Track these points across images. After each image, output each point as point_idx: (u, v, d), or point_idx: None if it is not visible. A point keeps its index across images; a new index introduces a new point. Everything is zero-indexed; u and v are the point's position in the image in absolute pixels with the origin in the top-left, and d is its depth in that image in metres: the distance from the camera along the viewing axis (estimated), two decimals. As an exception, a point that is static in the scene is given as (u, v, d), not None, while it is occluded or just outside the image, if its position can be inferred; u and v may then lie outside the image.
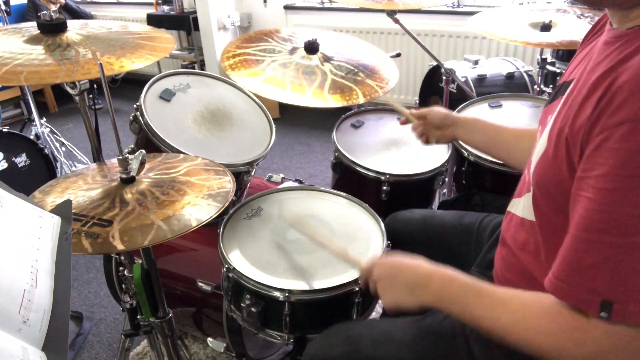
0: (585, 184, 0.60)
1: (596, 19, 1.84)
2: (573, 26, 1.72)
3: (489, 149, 1.16)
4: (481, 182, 1.47)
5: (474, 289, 0.73)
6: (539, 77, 2.16)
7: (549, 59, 2.16)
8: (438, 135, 1.20)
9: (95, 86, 1.87)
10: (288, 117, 3.79)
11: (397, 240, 1.16)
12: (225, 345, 1.37)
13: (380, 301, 0.85)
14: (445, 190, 1.77)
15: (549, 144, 0.70)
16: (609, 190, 0.57)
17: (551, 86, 2.24)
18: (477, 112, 1.65)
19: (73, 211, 0.85)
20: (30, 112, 2.73)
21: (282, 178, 1.64)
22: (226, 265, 1.06)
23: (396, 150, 1.52)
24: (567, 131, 0.65)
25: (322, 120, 3.66)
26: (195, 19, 3.85)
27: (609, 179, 0.57)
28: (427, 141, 1.22)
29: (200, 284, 1.30)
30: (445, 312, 0.75)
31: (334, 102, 1.41)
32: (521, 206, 0.85)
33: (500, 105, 1.67)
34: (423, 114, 1.20)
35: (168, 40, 1.21)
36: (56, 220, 0.65)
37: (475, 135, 1.16)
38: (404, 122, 1.27)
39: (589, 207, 0.59)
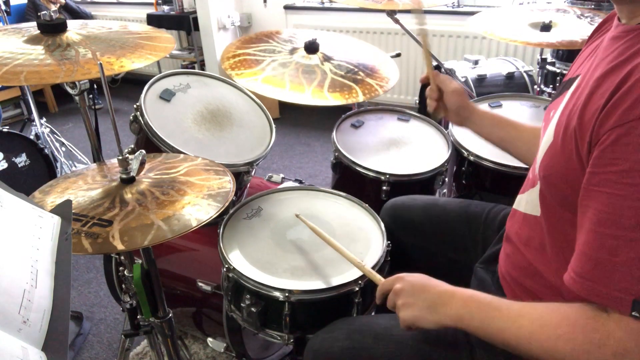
0: (603, 179, 0.59)
1: (596, 18, 1.84)
2: (573, 26, 1.72)
3: (507, 145, 1.10)
4: (481, 182, 1.47)
5: (493, 304, 0.72)
6: (539, 77, 2.16)
7: (549, 59, 2.16)
8: (449, 116, 1.14)
9: (95, 86, 1.87)
10: (288, 117, 3.79)
11: (398, 229, 1.14)
12: (225, 345, 1.37)
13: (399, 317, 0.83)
14: (445, 190, 1.77)
15: (555, 137, 0.70)
16: (635, 186, 0.56)
17: (551, 86, 2.24)
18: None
19: (73, 211, 0.85)
20: (30, 112, 2.73)
21: (282, 178, 1.64)
22: (226, 265, 1.06)
23: (396, 150, 1.52)
24: (575, 124, 0.64)
25: (322, 120, 3.66)
26: (195, 19, 3.85)
27: (633, 174, 0.56)
28: (433, 109, 1.15)
29: (200, 284, 1.30)
30: (466, 329, 0.74)
31: (334, 100, 1.41)
32: (524, 202, 0.84)
33: (500, 105, 1.67)
34: (440, 87, 1.11)
35: (168, 40, 1.21)
36: (56, 220, 0.65)
37: (492, 130, 1.10)
38: (424, 80, 1.16)
39: (615, 203, 0.58)
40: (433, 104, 1.13)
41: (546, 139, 0.74)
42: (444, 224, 1.14)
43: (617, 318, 0.59)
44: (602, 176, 0.59)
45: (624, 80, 0.58)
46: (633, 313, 0.57)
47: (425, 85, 1.17)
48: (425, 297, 0.78)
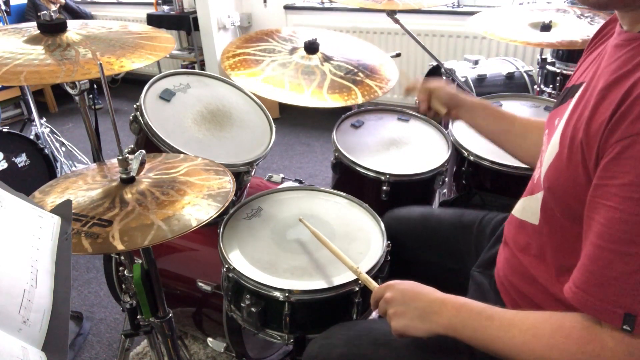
0: (606, 192, 0.59)
1: (596, 19, 1.84)
2: (573, 26, 1.72)
3: (498, 138, 1.10)
4: (481, 182, 1.47)
5: (485, 313, 0.72)
6: (539, 77, 2.16)
7: (549, 59, 2.16)
8: (443, 113, 1.17)
9: (95, 86, 1.87)
10: (288, 117, 3.79)
11: (395, 239, 1.15)
12: (225, 345, 1.37)
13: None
14: (445, 190, 1.77)
15: (561, 148, 0.69)
16: (636, 200, 0.55)
17: (551, 86, 2.25)
18: (477, 112, 1.64)
19: (73, 211, 0.85)
20: (30, 112, 2.73)
21: (282, 178, 1.64)
22: (226, 265, 1.06)
23: (396, 150, 1.52)
24: (582, 135, 0.63)
25: (322, 120, 3.66)
26: (195, 19, 3.85)
27: (634, 188, 0.55)
28: (427, 111, 1.20)
29: (200, 284, 1.30)
30: (457, 338, 0.74)
31: (333, 101, 1.41)
32: (520, 208, 0.84)
33: (500, 105, 1.68)
34: (429, 89, 1.17)
35: (168, 40, 1.21)
36: (56, 220, 0.65)
37: (484, 121, 1.11)
38: (408, 90, 1.24)
39: (614, 217, 0.57)
40: (424, 104, 1.19)
41: (551, 149, 0.73)
42: (439, 234, 1.15)
43: (610, 331, 0.59)
44: (604, 189, 0.59)
45: (628, 93, 0.58)
46: (624, 327, 0.57)
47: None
48: (417, 306, 0.78)
